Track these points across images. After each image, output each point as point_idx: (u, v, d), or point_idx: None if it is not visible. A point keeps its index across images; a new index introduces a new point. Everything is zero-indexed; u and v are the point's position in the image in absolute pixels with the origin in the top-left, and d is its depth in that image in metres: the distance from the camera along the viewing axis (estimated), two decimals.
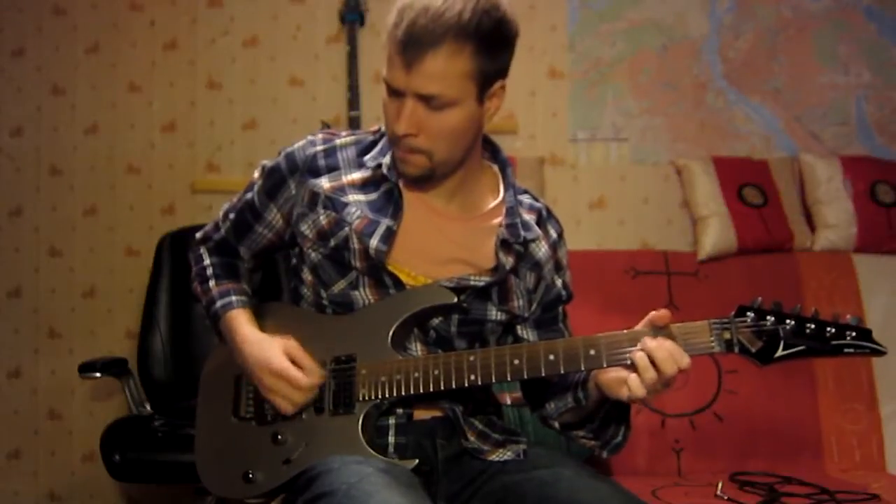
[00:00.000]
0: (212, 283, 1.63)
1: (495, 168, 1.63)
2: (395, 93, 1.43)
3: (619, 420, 1.50)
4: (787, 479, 2.45)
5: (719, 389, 2.73)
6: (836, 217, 2.99)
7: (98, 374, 2.62)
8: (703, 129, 3.20)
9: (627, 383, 1.35)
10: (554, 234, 1.63)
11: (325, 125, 3.00)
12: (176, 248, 2.85)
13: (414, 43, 1.36)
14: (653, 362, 1.33)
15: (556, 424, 1.58)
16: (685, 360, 1.34)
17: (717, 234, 2.95)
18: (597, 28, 3.20)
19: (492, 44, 1.40)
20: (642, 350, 1.34)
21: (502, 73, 1.46)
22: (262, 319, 1.60)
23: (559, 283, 1.62)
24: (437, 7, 1.36)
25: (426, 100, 1.40)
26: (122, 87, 3.21)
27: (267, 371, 1.47)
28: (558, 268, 1.63)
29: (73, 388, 3.17)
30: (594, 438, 1.54)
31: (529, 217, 1.59)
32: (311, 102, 3.21)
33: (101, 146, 3.21)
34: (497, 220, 1.56)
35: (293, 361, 1.47)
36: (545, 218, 1.63)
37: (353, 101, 3.05)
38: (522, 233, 1.55)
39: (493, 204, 1.58)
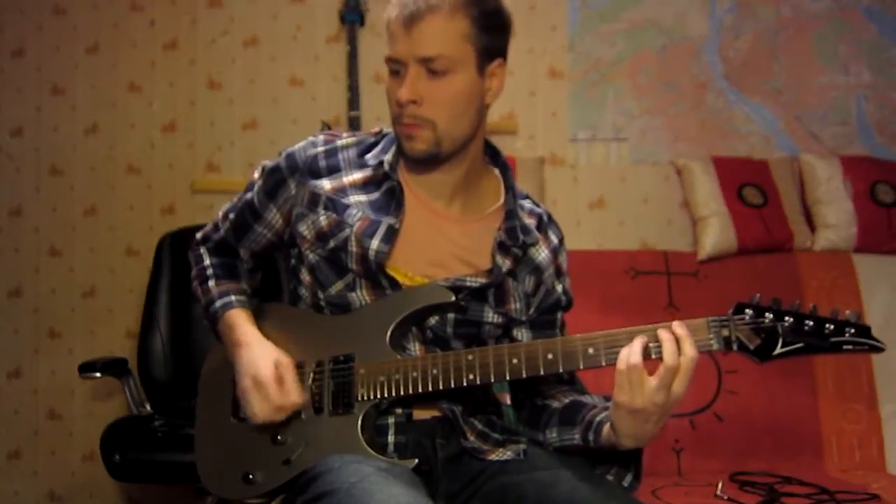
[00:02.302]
0: (211, 283, 1.63)
1: (496, 172, 1.63)
2: (396, 68, 1.46)
3: (625, 464, 1.48)
4: (787, 479, 2.45)
5: (719, 389, 2.73)
6: (836, 217, 2.99)
7: (98, 374, 2.62)
8: (703, 129, 3.20)
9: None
10: (555, 240, 1.63)
11: (326, 125, 3.00)
12: (176, 248, 2.85)
13: (412, 7, 1.42)
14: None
15: (550, 448, 1.54)
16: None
17: (717, 234, 2.95)
18: (597, 28, 3.20)
19: (486, 16, 1.46)
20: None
21: (500, 52, 1.50)
22: (260, 320, 1.60)
23: (559, 288, 1.62)
24: None
25: (428, 63, 1.43)
26: (122, 87, 3.22)
27: (250, 376, 1.47)
28: (559, 273, 1.63)
29: (73, 388, 3.17)
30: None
31: (530, 221, 1.60)
32: (311, 102, 3.21)
33: (101, 146, 3.21)
34: (497, 224, 1.56)
35: (279, 379, 1.46)
36: (546, 223, 1.63)
37: (353, 101, 3.05)
38: (521, 236, 1.55)
39: (493, 207, 1.59)
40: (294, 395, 1.45)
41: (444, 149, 1.48)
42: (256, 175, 1.62)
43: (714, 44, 3.20)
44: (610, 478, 1.49)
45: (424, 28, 1.42)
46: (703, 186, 3.03)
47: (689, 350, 1.33)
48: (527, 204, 1.63)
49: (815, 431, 2.70)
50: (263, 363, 1.47)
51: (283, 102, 3.21)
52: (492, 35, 1.47)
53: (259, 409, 1.46)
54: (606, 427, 1.40)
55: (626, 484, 1.48)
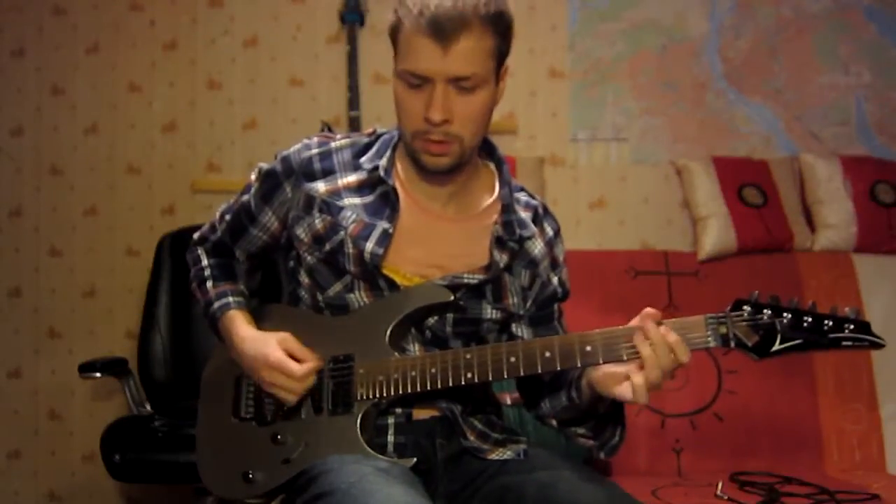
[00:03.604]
0: (209, 284, 1.64)
1: (491, 166, 1.63)
2: (418, 84, 1.43)
3: (616, 421, 1.50)
4: (787, 479, 2.45)
5: (719, 389, 2.73)
6: (836, 217, 2.99)
7: (98, 374, 2.62)
8: (703, 129, 3.20)
9: (632, 386, 1.34)
10: (550, 232, 1.63)
11: (326, 125, 3.00)
12: (176, 249, 2.85)
13: (447, 26, 1.38)
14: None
15: (554, 422, 1.58)
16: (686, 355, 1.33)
17: (717, 234, 2.95)
18: (597, 28, 3.20)
19: (503, 24, 1.46)
20: (648, 341, 1.33)
21: (507, 55, 1.51)
22: (260, 321, 1.60)
23: (555, 280, 1.62)
24: None
25: (458, 82, 1.41)
26: (122, 87, 3.22)
27: (265, 365, 1.48)
28: (554, 265, 1.63)
29: (73, 388, 3.17)
30: (593, 437, 1.53)
31: (525, 214, 1.60)
32: (311, 102, 3.20)
33: (101, 146, 3.22)
34: (493, 219, 1.56)
35: (289, 353, 1.47)
36: (541, 215, 1.63)
37: (353, 102, 3.04)
38: (518, 230, 1.55)
39: (488, 202, 1.59)
40: (310, 357, 1.47)
41: (464, 160, 1.50)
42: (253, 177, 1.62)
43: (714, 44, 3.20)
44: (603, 455, 1.52)
45: (460, 48, 1.39)
46: (703, 186, 3.03)
47: (683, 357, 1.32)
48: (522, 197, 1.63)
49: (815, 431, 2.70)
50: (270, 349, 1.48)
51: (283, 102, 3.21)
52: (505, 38, 1.47)
53: (289, 386, 1.46)
54: (583, 378, 1.43)
55: (616, 439, 1.50)
